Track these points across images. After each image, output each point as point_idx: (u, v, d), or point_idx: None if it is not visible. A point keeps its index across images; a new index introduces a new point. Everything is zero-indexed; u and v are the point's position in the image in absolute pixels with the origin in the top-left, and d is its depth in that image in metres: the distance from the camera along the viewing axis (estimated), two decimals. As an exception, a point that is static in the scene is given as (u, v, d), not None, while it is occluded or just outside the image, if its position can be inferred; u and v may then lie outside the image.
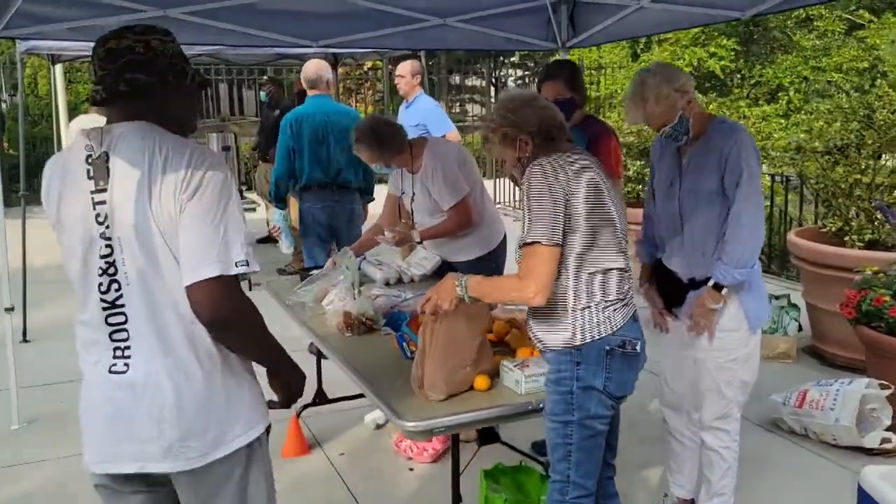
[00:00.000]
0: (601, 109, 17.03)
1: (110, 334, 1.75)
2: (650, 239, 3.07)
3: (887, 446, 3.68)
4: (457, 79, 20.05)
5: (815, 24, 13.32)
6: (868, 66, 12.38)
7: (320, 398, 4.03)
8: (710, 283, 2.73)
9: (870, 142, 4.74)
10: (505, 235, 3.89)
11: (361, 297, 3.10)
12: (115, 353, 1.75)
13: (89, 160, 1.72)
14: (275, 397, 1.95)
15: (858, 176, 4.72)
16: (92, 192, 1.71)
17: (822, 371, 4.75)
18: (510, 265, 3.81)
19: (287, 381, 1.94)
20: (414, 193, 3.74)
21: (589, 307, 2.20)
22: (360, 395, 4.13)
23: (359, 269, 3.38)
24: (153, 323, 1.72)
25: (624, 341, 2.23)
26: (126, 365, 1.74)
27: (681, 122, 2.72)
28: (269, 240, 8.49)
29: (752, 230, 2.68)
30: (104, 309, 1.74)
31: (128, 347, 1.74)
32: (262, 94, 8.19)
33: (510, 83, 20.66)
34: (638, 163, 7.21)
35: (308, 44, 4.57)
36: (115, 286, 1.73)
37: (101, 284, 1.73)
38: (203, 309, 1.68)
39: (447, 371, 2.33)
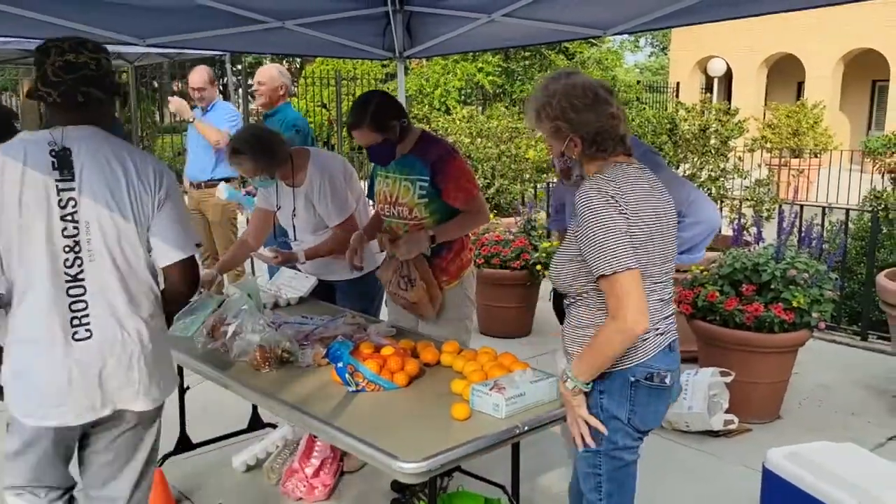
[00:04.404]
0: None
1: (69, 305, 2.04)
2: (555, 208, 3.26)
3: (731, 427, 4.10)
4: (179, 85, 19.06)
5: (563, 45, 14.65)
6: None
7: (184, 445, 3.53)
8: None
9: (670, 153, 5.26)
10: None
11: (270, 327, 2.77)
12: (72, 321, 2.04)
13: (53, 153, 2.02)
14: None
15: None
16: (57, 181, 2.02)
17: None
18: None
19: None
20: (295, 208, 3.44)
21: None
22: (227, 437, 3.75)
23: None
24: (113, 294, 2.08)
25: (651, 373, 2.10)
26: (88, 331, 2.06)
27: None
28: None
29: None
30: (66, 282, 2.04)
31: (86, 315, 2.06)
32: None
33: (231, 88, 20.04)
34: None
35: (135, 41, 4.00)
36: (78, 262, 2.04)
37: (66, 260, 2.03)
38: (180, 282, 2.18)
39: None
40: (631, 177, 2.09)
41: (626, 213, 2.01)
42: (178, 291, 2.21)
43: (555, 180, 3.16)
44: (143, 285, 2.14)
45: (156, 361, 2.18)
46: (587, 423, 2.14)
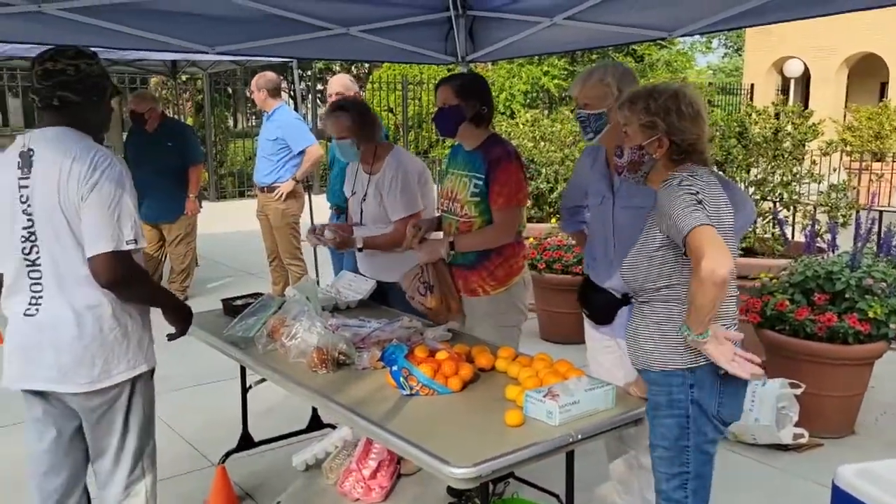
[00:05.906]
0: (423, 125, 17.31)
1: (30, 286, 2.30)
2: (569, 211, 3.22)
3: (801, 441, 3.96)
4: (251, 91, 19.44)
5: (631, 46, 14.44)
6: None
7: (246, 442, 3.60)
8: None
9: (739, 157, 5.11)
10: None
11: (328, 329, 2.80)
12: (30, 300, 2.31)
13: (21, 154, 2.29)
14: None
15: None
16: (19, 178, 2.28)
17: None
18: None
19: (178, 315, 2.53)
20: (366, 194, 3.55)
21: None
22: (288, 436, 3.81)
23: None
24: (58, 279, 2.27)
25: None
26: (37, 309, 2.30)
27: (599, 116, 2.74)
28: None
29: None
30: (27, 266, 2.30)
31: (41, 296, 2.30)
32: None
33: (300, 95, 20.48)
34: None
35: (204, 49, 4.12)
36: (35, 250, 2.28)
37: (24, 248, 2.28)
38: (99, 275, 2.24)
39: None
40: (708, 176, 2.18)
41: (707, 211, 2.07)
42: (101, 283, 2.25)
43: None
44: (77, 274, 2.26)
45: (92, 348, 2.29)
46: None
